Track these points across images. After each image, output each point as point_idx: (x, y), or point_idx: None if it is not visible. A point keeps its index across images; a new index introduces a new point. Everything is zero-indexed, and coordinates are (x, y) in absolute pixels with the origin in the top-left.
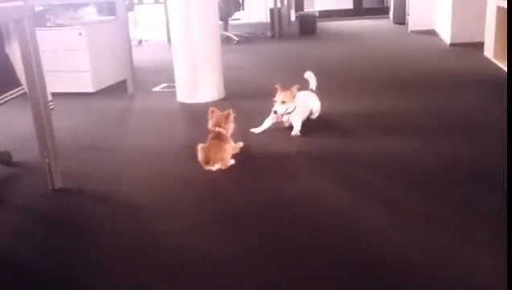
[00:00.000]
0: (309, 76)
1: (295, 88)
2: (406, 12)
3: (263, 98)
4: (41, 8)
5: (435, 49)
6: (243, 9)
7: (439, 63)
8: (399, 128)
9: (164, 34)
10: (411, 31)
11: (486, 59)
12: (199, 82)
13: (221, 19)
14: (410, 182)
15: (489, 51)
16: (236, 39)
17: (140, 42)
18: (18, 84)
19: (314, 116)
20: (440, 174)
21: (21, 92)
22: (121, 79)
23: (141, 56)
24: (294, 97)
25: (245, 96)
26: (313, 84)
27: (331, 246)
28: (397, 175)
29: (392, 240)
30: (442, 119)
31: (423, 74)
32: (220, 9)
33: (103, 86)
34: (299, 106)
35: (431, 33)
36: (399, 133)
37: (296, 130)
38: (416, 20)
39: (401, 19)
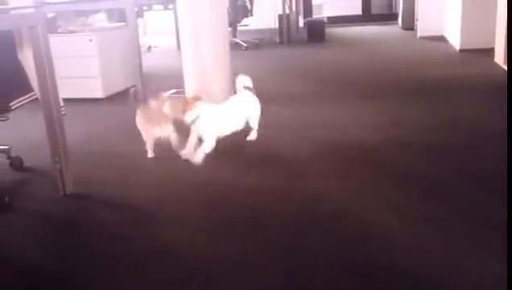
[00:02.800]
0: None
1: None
2: (415, 18)
3: (271, 104)
4: (52, 15)
5: (444, 55)
6: (252, 15)
7: (449, 69)
8: (408, 134)
9: (173, 40)
10: (420, 37)
11: (496, 65)
12: (207, 88)
13: (230, 25)
14: (421, 188)
15: (499, 58)
16: (244, 45)
17: (149, 48)
18: (30, 89)
19: (251, 126)
20: (451, 180)
21: (33, 97)
22: (130, 85)
23: (150, 62)
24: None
25: None
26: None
27: (341, 252)
28: (407, 181)
29: (404, 246)
30: (452, 124)
31: (432, 80)
32: (229, 15)
33: (113, 92)
34: (207, 116)
35: (441, 39)
36: (408, 138)
37: (201, 152)
38: (425, 26)
39: (410, 25)
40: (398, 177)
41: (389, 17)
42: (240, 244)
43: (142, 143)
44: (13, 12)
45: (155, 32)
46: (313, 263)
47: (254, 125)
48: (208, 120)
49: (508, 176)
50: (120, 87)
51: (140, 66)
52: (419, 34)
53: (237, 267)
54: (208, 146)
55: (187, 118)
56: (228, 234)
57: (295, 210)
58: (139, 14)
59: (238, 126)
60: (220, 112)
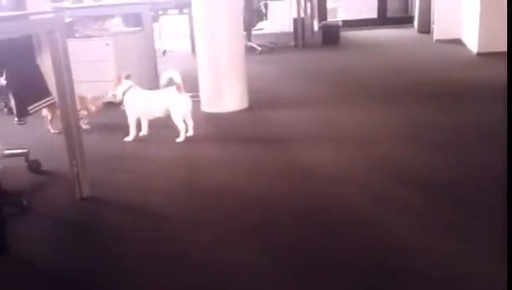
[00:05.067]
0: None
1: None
2: (431, 21)
3: (286, 108)
4: (70, 20)
5: (461, 58)
6: (266, 19)
7: (466, 72)
8: (424, 137)
9: (188, 44)
10: (436, 40)
11: None
12: (223, 92)
13: (245, 29)
14: (437, 193)
15: None
16: (259, 48)
17: (164, 52)
18: (48, 94)
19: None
20: (467, 185)
21: (51, 101)
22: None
23: (165, 66)
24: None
25: (269, 105)
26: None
27: (357, 256)
28: (423, 184)
29: (420, 251)
30: (468, 129)
31: (449, 84)
32: (244, 19)
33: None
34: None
35: (457, 42)
36: (425, 142)
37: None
38: (441, 29)
39: (426, 28)
40: (417, 180)
41: (404, 20)
42: (256, 248)
43: (160, 146)
44: (32, 17)
45: (170, 36)
46: (330, 266)
47: (188, 121)
48: (132, 97)
49: (508, 176)
50: None
51: (155, 70)
52: (436, 37)
53: (254, 274)
54: (130, 121)
55: (118, 92)
56: (244, 238)
57: (311, 214)
58: (155, 19)
59: (157, 113)
60: (144, 95)
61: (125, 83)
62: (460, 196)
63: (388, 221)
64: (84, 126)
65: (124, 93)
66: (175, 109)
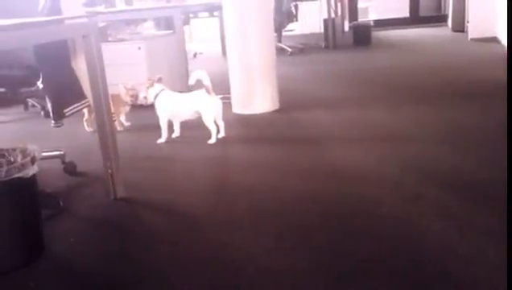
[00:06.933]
0: (198, 75)
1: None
2: (466, 19)
3: (317, 109)
4: (103, 24)
5: (497, 57)
6: (296, 20)
7: (502, 72)
8: (459, 138)
9: (218, 46)
10: (471, 39)
11: None
12: (254, 93)
13: (275, 31)
14: (473, 194)
15: None
16: (289, 50)
17: (195, 55)
18: (83, 96)
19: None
20: (504, 187)
21: (86, 104)
22: (177, 91)
23: (196, 68)
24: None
25: (300, 107)
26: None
27: (391, 259)
28: (458, 186)
29: (457, 254)
30: (504, 130)
31: (484, 84)
32: (274, 20)
33: None
34: (164, 96)
35: (494, 41)
36: (459, 143)
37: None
38: (477, 27)
39: (460, 27)
40: (452, 182)
41: (438, 19)
42: (288, 250)
43: (192, 148)
44: (67, 22)
45: (200, 39)
46: (363, 269)
47: (220, 123)
48: (163, 99)
49: (508, 176)
50: None
51: (187, 73)
52: (470, 35)
53: (286, 276)
54: (161, 123)
55: (150, 94)
56: (276, 240)
57: (344, 215)
58: (186, 22)
59: (187, 116)
60: (174, 97)
61: (157, 86)
62: (496, 197)
63: (422, 224)
64: (125, 124)
65: (156, 96)
66: (206, 111)
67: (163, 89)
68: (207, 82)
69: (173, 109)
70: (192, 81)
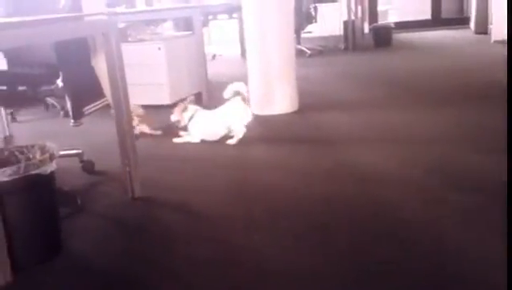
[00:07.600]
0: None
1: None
2: (489, 21)
3: (337, 111)
4: (123, 25)
5: None
6: (315, 22)
7: None
8: (481, 140)
9: (237, 48)
10: (495, 41)
11: None
12: (273, 94)
13: (294, 32)
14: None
15: None
16: (308, 52)
17: (214, 56)
18: (102, 95)
19: (232, 135)
20: None
21: (105, 103)
22: (196, 92)
23: (214, 70)
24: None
25: (319, 108)
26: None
27: (410, 262)
28: (481, 188)
29: (481, 258)
30: None
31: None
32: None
33: (179, 98)
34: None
35: None
36: (481, 145)
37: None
38: (500, 29)
39: (483, 29)
40: (474, 184)
41: (460, 21)
42: (308, 252)
43: (212, 147)
44: (86, 19)
45: (219, 41)
46: (386, 272)
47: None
48: (196, 121)
49: (508, 177)
50: (186, 94)
51: (206, 73)
52: (494, 38)
53: (305, 278)
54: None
55: (185, 118)
56: (296, 242)
57: (365, 217)
58: (205, 23)
59: (221, 133)
60: (208, 116)
61: (191, 108)
62: None
63: (445, 226)
64: (156, 133)
65: (190, 119)
66: (237, 125)
67: (197, 110)
68: (244, 92)
69: (206, 129)
70: (228, 95)
